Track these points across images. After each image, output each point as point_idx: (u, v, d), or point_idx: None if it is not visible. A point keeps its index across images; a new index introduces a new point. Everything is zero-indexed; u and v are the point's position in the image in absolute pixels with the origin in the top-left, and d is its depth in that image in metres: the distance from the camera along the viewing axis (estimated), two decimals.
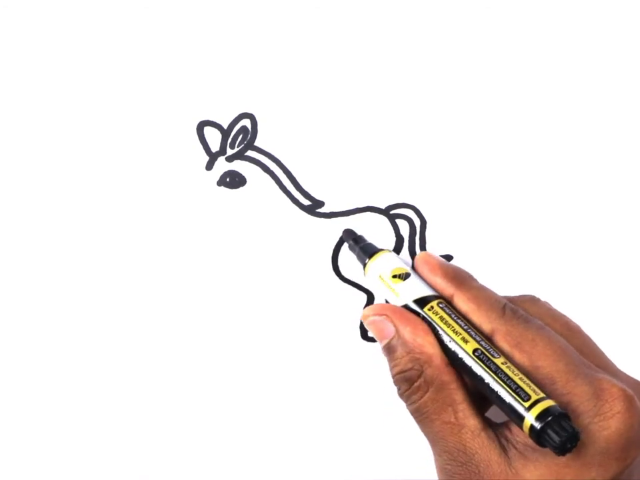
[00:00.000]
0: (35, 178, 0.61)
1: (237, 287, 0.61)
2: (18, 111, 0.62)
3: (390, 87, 0.63)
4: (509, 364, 0.48)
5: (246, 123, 0.62)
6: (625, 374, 0.52)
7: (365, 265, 0.56)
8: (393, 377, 0.51)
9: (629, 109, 0.63)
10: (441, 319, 0.51)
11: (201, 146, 0.62)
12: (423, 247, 0.62)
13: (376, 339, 0.53)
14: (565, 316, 0.53)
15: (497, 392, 0.48)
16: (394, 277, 0.54)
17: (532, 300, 0.53)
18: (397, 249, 0.62)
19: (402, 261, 0.56)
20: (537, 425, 0.46)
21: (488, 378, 0.48)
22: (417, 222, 0.62)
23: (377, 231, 0.62)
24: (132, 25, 0.62)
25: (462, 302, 0.52)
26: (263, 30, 0.63)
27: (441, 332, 0.51)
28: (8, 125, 0.62)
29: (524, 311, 0.51)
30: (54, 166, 0.61)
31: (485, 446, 0.48)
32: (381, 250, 0.57)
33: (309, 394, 0.61)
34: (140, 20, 0.62)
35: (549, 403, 0.46)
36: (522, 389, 0.47)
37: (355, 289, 0.62)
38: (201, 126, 0.62)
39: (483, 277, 0.61)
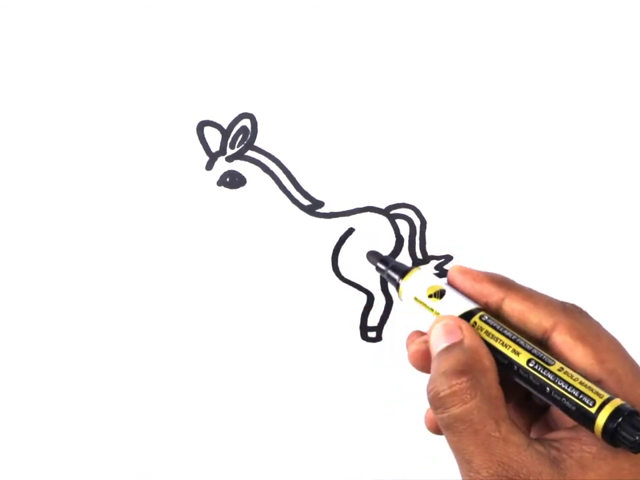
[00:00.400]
0: (35, 178, 0.61)
1: (237, 286, 0.61)
2: (18, 111, 0.62)
3: (390, 87, 0.63)
4: (565, 369, 0.47)
5: (246, 123, 0.62)
6: None
7: (397, 288, 0.53)
8: (442, 372, 0.48)
9: (629, 109, 0.63)
10: (487, 333, 0.50)
11: (200, 146, 0.62)
12: (423, 247, 0.62)
13: (439, 340, 0.51)
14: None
15: (560, 399, 0.47)
16: (430, 296, 0.51)
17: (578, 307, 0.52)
18: (397, 249, 0.62)
19: (433, 276, 0.54)
20: (612, 424, 0.45)
21: (548, 386, 0.48)
22: (417, 222, 0.62)
23: (377, 231, 0.62)
24: (132, 24, 0.62)
25: (516, 302, 0.50)
26: (263, 30, 0.63)
27: (492, 345, 0.49)
28: (8, 125, 0.62)
29: (581, 309, 0.51)
30: (54, 166, 0.61)
31: (534, 459, 0.46)
32: (411, 269, 0.53)
33: (309, 394, 0.61)
34: (140, 20, 0.62)
35: (617, 402, 0.45)
36: (585, 393, 0.46)
37: (355, 289, 0.62)
38: (201, 126, 0.62)
39: None
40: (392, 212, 0.62)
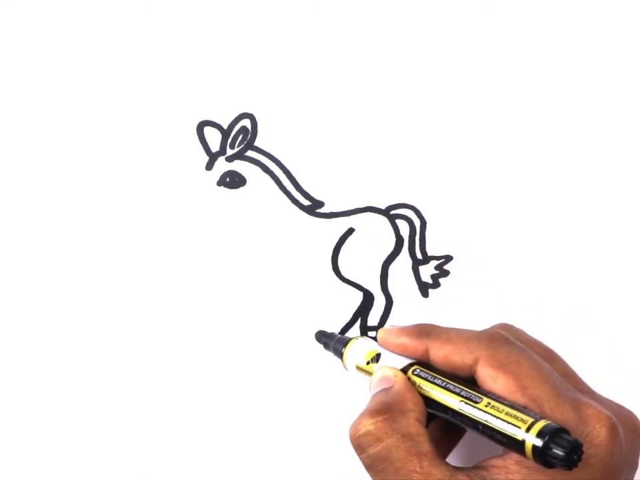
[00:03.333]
0: (35, 178, 0.61)
1: (237, 287, 0.61)
2: (18, 111, 0.62)
3: (390, 87, 0.63)
4: (492, 403, 0.48)
5: (246, 123, 0.62)
6: (605, 398, 0.51)
7: (342, 358, 0.57)
8: (362, 414, 0.50)
9: (629, 109, 0.63)
10: (420, 387, 0.52)
11: (200, 146, 0.62)
12: (422, 247, 0.62)
13: (373, 388, 0.52)
14: (541, 342, 0.53)
15: (491, 433, 0.48)
16: (368, 363, 0.54)
17: (506, 327, 0.53)
18: (397, 249, 0.62)
19: (370, 342, 0.56)
20: (539, 444, 0.45)
21: (479, 424, 0.48)
22: (417, 222, 0.62)
23: (377, 231, 0.62)
24: (132, 24, 0.62)
25: (438, 349, 0.51)
26: (263, 30, 0.63)
27: (426, 396, 0.51)
28: (8, 125, 0.62)
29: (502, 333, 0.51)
30: (54, 166, 0.61)
31: None
32: (349, 340, 0.56)
33: (309, 394, 0.61)
34: (140, 20, 0.62)
35: (543, 422, 0.46)
36: (511, 422, 0.47)
37: (355, 289, 0.62)
38: (201, 126, 0.62)
39: (483, 277, 0.61)
40: (392, 212, 0.62)
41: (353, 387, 0.61)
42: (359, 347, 0.55)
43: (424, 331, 0.53)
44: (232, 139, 0.62)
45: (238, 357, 0.61)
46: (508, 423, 0.47)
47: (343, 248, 0.62)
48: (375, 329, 0.61)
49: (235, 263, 0.61)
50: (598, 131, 0.63)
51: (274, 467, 0.61)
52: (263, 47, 0.62)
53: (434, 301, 0.62)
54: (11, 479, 0.60)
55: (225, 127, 0.62)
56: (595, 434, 0.47)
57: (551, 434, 0.45)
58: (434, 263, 0.62)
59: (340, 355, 0.57)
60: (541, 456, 0.45)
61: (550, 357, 0.51)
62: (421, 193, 0.62)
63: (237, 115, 0.62)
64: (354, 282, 0.62)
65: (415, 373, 0.52)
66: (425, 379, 0.51)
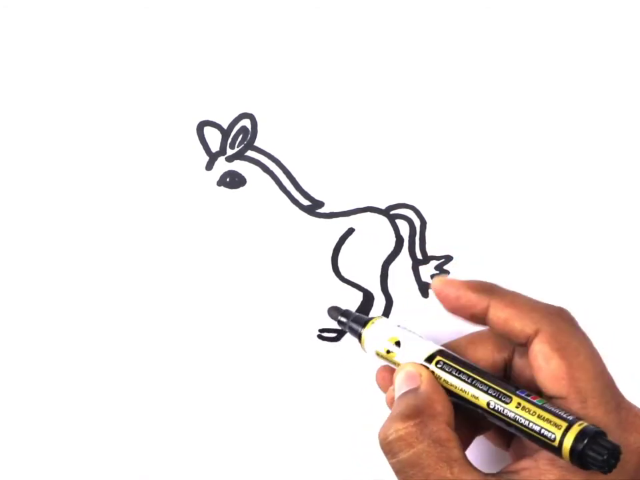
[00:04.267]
0: (35, 178, 0.61)
1: (237, 287, 0.61)
2: (18, 111, 0.62)
3: (390, 87, 0.63)
4: (523, 404, 0.47)
5: (246, 123, 0.62)
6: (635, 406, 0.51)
7: (359, 338, 0.55)
8: (392, 417, 0.49)
9: (629, 109, 0.63)
10: (445, 381, 0.50)
11: (200, 146, 0.62)
12: (422, 247, 0.62)
13: (399, 387, 0.51)
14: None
15: (521, 431, 0.47)
16: (388, 352, 0.53)
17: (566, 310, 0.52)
18: (397, 249, 0.62)
19: (391, 326, 0.54)
20: (578, 447, 0.45)
21: (510, 425, 0.48)
22: (417, 222, 0.62)
23: (377, 231, 0.62)
24: (132, 24, 0.62)
25: (500, 310, 0.50)
26: (263, 30, 0.63)
27: (452, 392, 0.50)
28: (8, 125, 0.62)
29: (568, 314, 0.50)
30: (54, 166, 0.61)
31: None
32: (369, 320, 0.55)
33: (309, 394, 0.61)
34: (140, 20, 0.62)
35: (580, 425, 0.46)
36: (544, 426, 0.46)
37: (355, 289, 0.62)
38: (201, 126, 0.62)
39: (483, 278, 0.61)
40: (392, 212, 0.62)
41: (353, 386, 0.61)
42: (379, 330, 0.54)
43: (487, 288, 0.51)
44: (232, 138, 0.62)
45: (238, 356, 0.61)
46: (541, 427, 0.46)
47: (343, 248, 0.62)
48: None
49: (235, 263, 0.61)
50: (598, 131, 0.63)
51: (273, 466, 0.61)
52: (263, 46, 0.62)
53: (434, 300, 0.62)
54: (11, 479, 0.60)
55: (225, 127, 0.62)
56: (633, 440, 0.47)
57: (590, 437, 0.45)
58: (434, 263, 0.62)
59: (358, 335, 0.55)
60: (579, 458, 0.45)
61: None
62: (421, 193, 0.62)
63: (237, 114, 0.62)
64: (354, 282, 0.62)
65: (439, 366, 0.50)
66: (450, 372, 0.50)
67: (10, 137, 0.62)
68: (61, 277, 0.61)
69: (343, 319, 0.57)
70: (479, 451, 0.57)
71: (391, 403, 0.53)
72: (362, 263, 0.62)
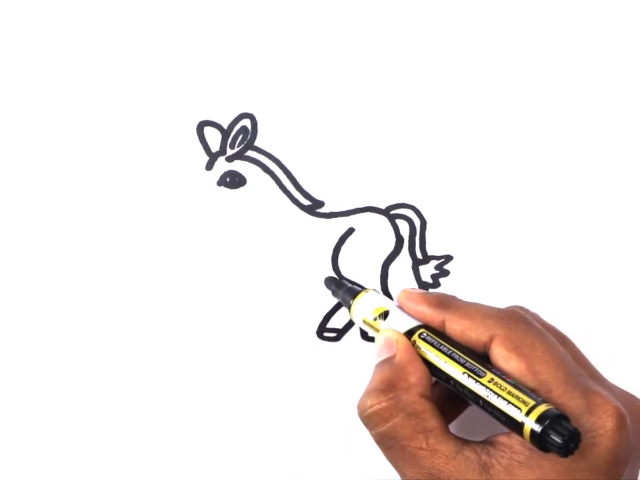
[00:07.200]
0: (35, 178, 0.61)
1: (237, 287, 0.61)
2: (18, 112, 0.62)
3: (390, 87, 0.63)
4: (496, 379, 0.48)
5: (246, 123, 0.62)
6: (616, 387, 0.51)
7: (349, 309, 0.57)
8: (367, 391, 0.51)
9: (629, 109, 0.63)
10: (425, 351, 0.51)
11: (200, 146, 0.62)
12: (423, 247, 0.62)
13: (377, 353, 0.53)
14: (554, 327, 0.53)
15: (491, 410, 0.48)
16: (375, 319, 0.55)
17: (523, 309, 0.53)
18: (397, 249, 0.62)
19: (380, 298, 0.56)
20: (538, 428, 0.45)
21: (480, 398, 0.48)
22: (417, 222, 0.62)
23: (377, 231, 0.62)
24: (132, 24, 0.62)
25: (455, 322, 0.51)
26: (263, 30, 0.63)
27: (429, 362, 0.51)
28: (8, 125, 0.62)
29: (521, 313, 0.51)
30: (54, 166, 0.61)
31: (461, 468, 0.47)
32: (360, 291, 0.57)
33: (309, 394, 0.61)
34: (140, 20, 0.62)
35: (545, 406, 0.46)
36: (512, 402, 0.47)
37: None
38: (201, 126, 0.62)
39: (483, 277, 0.61)
40: (392, 212, 0.62)
41: (353, 386, 0.61)
42: (369, 301, 0.55)
43: (444, 302, 0.53)
44: (232, 138, 0.62)
45: (238, 356, 0.61)
46: (509, 402, 0.47)
47: (343, 248, 0.62)
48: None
49: (235, 263, 0.61)
50: (597, 132, 0.63)
51: (273, 466, 0.61)
52: (263, 46, 0.62)
53: None
54: (11, 478, 0.60)
55: (225, 127, 0.62)
56: (601, 423, 0.47)
57: (551, 420, 0.45)
58: (434, 262, 0.62)
59: (348, 305, 0.57)
60: (539, 440, 0.45)
61: (562, 342, 0.51)
62: (421, 193, 0.62)
63: (237, 115, 0.62)
64: (354, 282, 0.61)
65: (422, 336, 0.52)
66: (431, 344, 0.51)
67: (10, 138, 0.61)
68: (61, 277, 0.61)
69: (337, 289, 0.58)
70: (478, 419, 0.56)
71: None
72: (362, 262, 0.62)
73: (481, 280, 0.61)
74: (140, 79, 0.62)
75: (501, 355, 0.49)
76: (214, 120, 0.62)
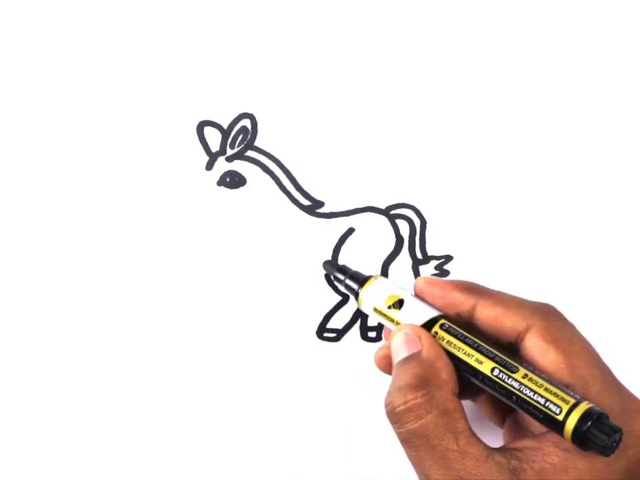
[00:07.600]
0: (35, 178, 0.61)
1: (237, 286, 0.61)
2: (18, 112, 0.62)
3: (390, 87, 0.63)
4: (530, 375, 0.47)
5: (246, 123, 0.62)
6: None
7: (357, 297, 0.54)
8: (398, 387, 0.48)
9: (629, 109, 0.63)
10: (449, 343, 0.50)
11: (200, 146, 0.62)
12: (422, 247, 0.62)
13: (398, 350, 0.50)
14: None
15: (527, 407, 0.46)
16: (390, 307, 0.52)
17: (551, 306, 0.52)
18: (397, 249, 0.62)
19: (392, 285, 0.53)
20: (582, 427, 0.45)
21: (514, 395, 0.47)
22: (417, 222, 0.62)
23: (377, 231, 0.62)
24: (132, 24, 0.62)
25: (488, 308, 0.50)
26: (263, 30, 0.63)
27: (454, 355, 0.49)
28: (8, 126, 0.62)
29: (555, 309, 0.50)
30: (54, 166, 0.61)
31: (493, 471, 0.46)
32: (370, 278, 0.53)
33: (309, 394, 0.61)
34: (140, 20, 0.62)
35: (587, 404, 0.45)
36: (550, 399, 0.46)
37: None
38: (201, 126, 0.62)
39: (483, 277, 0.61)
40: (392, 212, 0.62)
41: (353, 386, 0.61)
42: (380, 288, 0.52)
43: (474, 287, 0.51)
44: (232, 138, 0.62)
45: (238, 356, 0.61)
46: (547, 400, 0.46)
47: (343, 248, 0.62)
48: (375, 329, 0.61)
49: (235, 263, 0.61)
50: (597, 132, 0.63)
51: (273, 466, 0.61)
52: (263, 47, 0.62)
53: None
54: (11, 478, 0.60)
55: (225, 127, 0.62)
56: (636, 426, 0.47)
57: (595, 418, 0.44)
58: (434, 262, 0.62)
59: (355, 293, 0.54)
60: (581, 438, 0.45)
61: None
62: (421, 193, 0.62)
63: (237, 114, 0.62)
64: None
65: (444, 327, 0.49)
66: (455, 335, 0.49)
67: (10, 138, 0.62)
68: (61, 276, 0.61)
69: (340, 276, 0.55)
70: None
71: (380, 361, 0.52)
72: (362, 262, 0.62)
73: (480, 280, 0.61)
74: (140, 79, 0.62)
75: (538, 346, 0.48)
76: (214, 120, 0.62)
